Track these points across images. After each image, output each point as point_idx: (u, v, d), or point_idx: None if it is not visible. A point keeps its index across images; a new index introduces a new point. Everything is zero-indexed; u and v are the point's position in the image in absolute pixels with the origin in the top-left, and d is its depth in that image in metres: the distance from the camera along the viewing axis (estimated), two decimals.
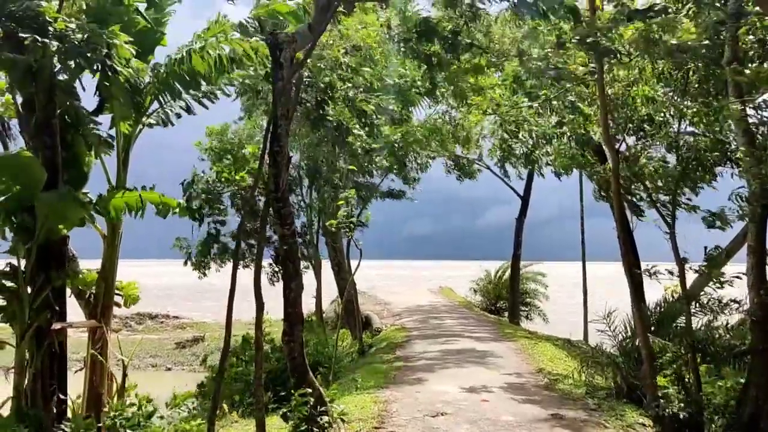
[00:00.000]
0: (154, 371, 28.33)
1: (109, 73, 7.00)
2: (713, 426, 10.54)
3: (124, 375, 8.90)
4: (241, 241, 6.96)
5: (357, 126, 11.21)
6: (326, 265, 21.34)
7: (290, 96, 7.61)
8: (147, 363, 29.24)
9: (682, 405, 9.24)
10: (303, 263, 16.07)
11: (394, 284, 44.69)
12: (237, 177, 9.64)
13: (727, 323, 11.63)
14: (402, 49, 11.10)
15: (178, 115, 9.87)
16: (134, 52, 7.34)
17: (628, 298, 10.89)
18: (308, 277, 18.33)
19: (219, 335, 27.04)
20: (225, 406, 12.90)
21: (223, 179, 9.66)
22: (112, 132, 9.12)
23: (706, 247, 11.71)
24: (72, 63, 7.43)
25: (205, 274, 13.55)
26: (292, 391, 8.19)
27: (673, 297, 12.84)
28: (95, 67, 6.97)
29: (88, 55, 6.62)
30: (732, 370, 11.53)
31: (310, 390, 8.09)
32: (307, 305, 24.00)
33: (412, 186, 21.39)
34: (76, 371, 9.46)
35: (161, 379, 23.72)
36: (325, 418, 8.05)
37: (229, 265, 13.37)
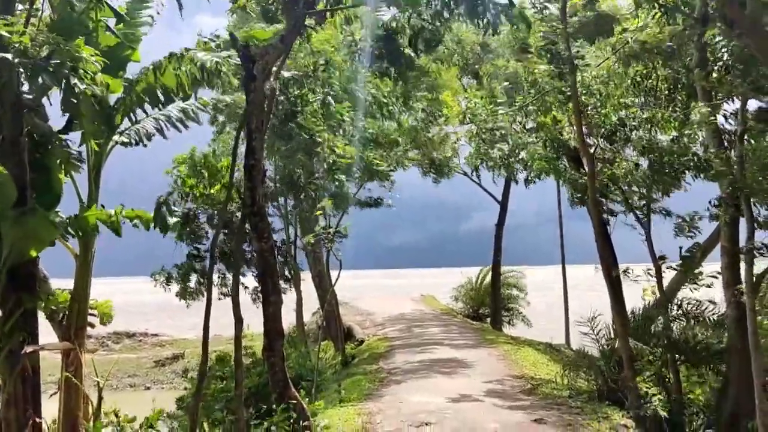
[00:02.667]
0: (132, 391, 27.78)
1: (75, 89, 6.85)
2: (694, 425, 10.66)
3: (100, 397, 8.69)
4: (215, 257, 6.84)
5: (327, 135, 11.12)
6: (306, 277, 21.17)
7: (263, 108, 7.55)
8: (125, 383, 28.65)
9: (663, 405, 9.32)
10: (285, 278, 15.89)
11: (376, 294, 44.49)
12: (212, 191, 9.47)
13: (703, 319, 11.75)
14: (366, 57, 11.04)
15: (151, 135, 9.70)
16: (100, 67, 7.19)
17: (608, 300, 11.00)
18: (289, 290, 18.20)
19: (200, 351, 26.54)
20: (206, 424, 12.67)
21: (198, 194, 9.47)
22: (83, 150, 8.94)
23: (681, 247, 11.89)
24: (39, 79, 7.29)
25: (193, 299, 13.22)
26: (274, 406, 8.09)
27: (653, 295, 12.96)
28: (61, 83, 6.81)
29: (52, 70, 6.48)
30: (710, 369, 11.69)
31: (292, 404, 7.98)
32: (289, 318, 23.81)
33: (390, 189, 21.35)
34: (51, 395, 9.22)
35: (140, 399, 23.24)
36: None
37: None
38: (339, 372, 17.51)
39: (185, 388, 18.60)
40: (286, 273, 14.52)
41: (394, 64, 9.74)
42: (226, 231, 9.55)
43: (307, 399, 12.79)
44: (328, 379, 16.18)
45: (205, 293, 13.42)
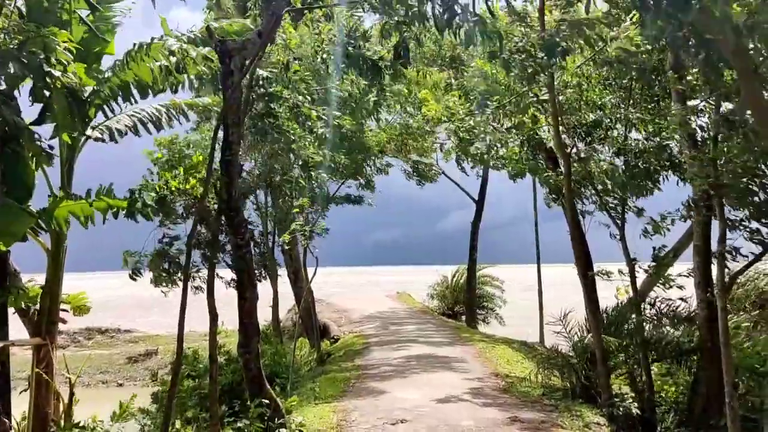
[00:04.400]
0: (104, 388, 27.42)
1: (47, 79, 6.70)
2: (666, 423, 10.84)
3: (71, 394, 8.52)
4: (191, 251, 6.73)
5: (300, 133, 10.97)
6: (283, 274, 21.06)
7: (240, 104, 7.48)
8: (97, 379, 28.25)
9: (635, 403, 9.47)
10: (261, 273, 15.74)
11: (353, 291, 44.47)
12: (188, 186, 9.34)
13: (674, 318, 11.91)
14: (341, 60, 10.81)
15: (124, 132, 9.51)
16: (72, 56, 7.04)
17: (582, 299, 11.12)
18: (265, 286, 18.07)
19: (173, 348, 26.25)
20: (178, 422, 12.54)
21: (173, 188, 9.32)
22: (54, 143, 8.73)
23: (654, 248, 12.07)
24: (10, 69, 7.14)
25: (167, 286, 12.87)
26: (248, 403, 8.03)
27: (627, 294, 13.13)
28: (33, 73, 6.65)
29: (24, 60, 6.33)
30: (681, 367, 11.89)
31: (266, 402, 7.93)
32: (264, 314, 23.66)
33: (372, 190, 21.39)
34: (20, 392, 9.02)
35: (112, 396, 22.89)
36: (283, 431, 7.91)
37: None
38: (314, 369, 17.47)
39: (159, 381, 18.42)
40: (263, 264, 14.35)
41: (373, 72, 9.64)
42: (203, 223, 9.41)
43: (282, 396, 12.76)
44: (303, 376, 16.12)
45: (181, 281, 13.25)
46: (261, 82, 9.21)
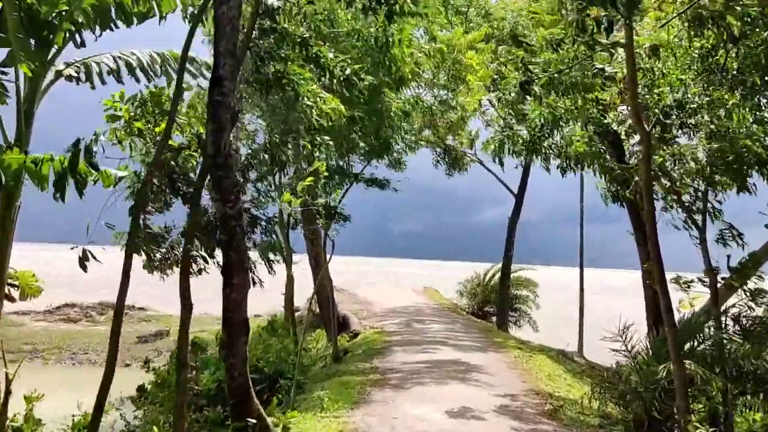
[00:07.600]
0: None
1: None
2: None
3: (8, 392, 6.85)
4: (140, 219, 4.96)
5: (310, 86, 9.04)
6: (302, 260, 19.50)
7: (237, 27, 5.64)
8: (104, 358, 27.09)
9: None
10: (273, 256, 14.00)
11: (377, 282, 42.76)
12: (157, 129, 7.49)
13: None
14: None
15: (105, 75, 7.80)
16: None
17: (621, 307, 9.19)
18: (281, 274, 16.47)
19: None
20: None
21: (136, 129, 7.47)
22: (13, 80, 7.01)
23: (729, 256, 10.07)
24: None
25: (162, 272, 11.32)
26: (229, 422, 6.26)
27: (691, 307, 11.12)
28: None
29: None
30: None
31: (251, 422, 6.14)
32: (278, 301, 22.10)
33: (401, 170, 19.58)
34: None
35: (116, 377, 21.54)
36: None
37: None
38: (329, 366, 15.71)
39: (164, 365, 17.00)
40: (272, 255, 12.57)
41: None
42: (158, 176, 7.57)
43: (285, 399, 11.02)
44: (314, 375, 14.36)
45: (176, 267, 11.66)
46: (269, 12, 7.32)
